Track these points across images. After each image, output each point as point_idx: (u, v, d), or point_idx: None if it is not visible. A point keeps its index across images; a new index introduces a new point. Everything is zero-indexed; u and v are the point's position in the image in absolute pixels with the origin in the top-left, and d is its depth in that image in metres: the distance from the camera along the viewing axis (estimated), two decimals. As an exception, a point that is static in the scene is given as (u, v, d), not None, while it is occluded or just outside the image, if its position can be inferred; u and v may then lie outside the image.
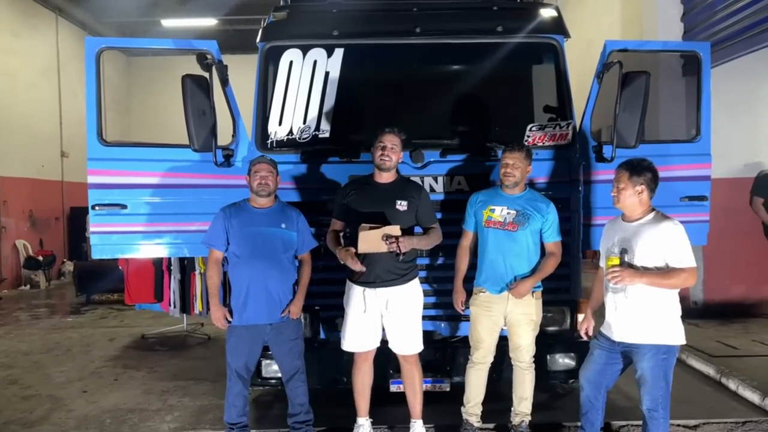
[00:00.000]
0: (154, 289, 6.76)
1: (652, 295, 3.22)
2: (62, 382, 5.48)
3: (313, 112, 4.18)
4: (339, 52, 4.21)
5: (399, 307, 3.71)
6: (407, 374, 3.85)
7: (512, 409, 3.96)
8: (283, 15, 4.34)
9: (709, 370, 5.35)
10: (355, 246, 3.56)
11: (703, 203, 4.47)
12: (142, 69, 16.48)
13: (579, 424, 3.63)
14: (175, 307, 6.68)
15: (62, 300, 10.50)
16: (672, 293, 3.27)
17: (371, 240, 3.51)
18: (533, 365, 3.88)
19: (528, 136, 4.15)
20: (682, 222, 3.27)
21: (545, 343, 4.04)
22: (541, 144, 4.14)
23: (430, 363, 4.07)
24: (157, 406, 4.79)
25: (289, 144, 4.18)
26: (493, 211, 3.76)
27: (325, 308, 4.16)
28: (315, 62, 4.20)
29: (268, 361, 4.05)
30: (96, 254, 4.29)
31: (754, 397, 4.66)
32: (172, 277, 6.62)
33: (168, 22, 13.39)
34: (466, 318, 4.01)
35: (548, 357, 4.13)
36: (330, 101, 4.18)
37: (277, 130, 4.19)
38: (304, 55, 4.21)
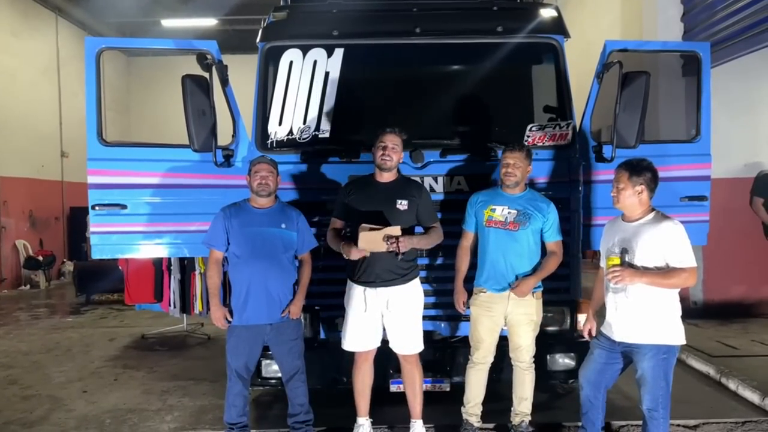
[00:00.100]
0: (154, 289, 6.76)
1: (652, 295, 3.22)
2: (62, 382, 5.48)
3: (313, 112, 4.18)
4: (339, 52, 4.21)
5: (399, 306, 3.71)
6: (407, 374, 3.85)
7: (512, 409, 3.97)
8: (283, 15, 4.34)
9: (708, 370, 5.35)
10: (355, 245, 3.56)
11: (703, 203, 4.47)
12: (142, 69, 16.48)
13: (580, 423, 3.64)
14: (175, 307, 6.68)
15: (62, 300, 10.50)
16: (672, 293, 3.28)
17: (371, 239, 3.51)
18: (533, 365, 3.88)
19: (528, 136, 4.15)
20: (682, 222, 3.27)
21: (545, 343, 4.04)
22: (541, 144, 4.14)
23: (430, 363, 4.07)
24: (157, 406, 4.79)
25: (289, 144, 4.18)
26: (494, 210, 3.77)
27: (325, 308, 4.16)
28: (315, 62, 4.20)
29: (268, 361, 4.05)
30: (96, 254, 4.29)
31: (753, 397, 4.66)
32: (172, 277, 6.61)
33: (168, 22, 13.38)
34: (466, 318, 4.01)
35: (548, 357, 4.13)
36: (330, 101, 4.18)
37: (277, 130, 4.19)
38: (304, 55, 4.21)
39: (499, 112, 4.50)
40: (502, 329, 3.87)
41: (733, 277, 7.23)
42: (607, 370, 3.45)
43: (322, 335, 4.22)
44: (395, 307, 3.70)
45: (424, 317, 3.89)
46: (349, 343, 3.80)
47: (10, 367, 6.04)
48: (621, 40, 4.79)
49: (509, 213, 3.74)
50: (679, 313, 3.31)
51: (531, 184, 4.02)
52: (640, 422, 3.59)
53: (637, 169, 3.27)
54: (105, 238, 4.24)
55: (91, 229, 4.23)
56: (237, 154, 4.23)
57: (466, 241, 3.92)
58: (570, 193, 4.17)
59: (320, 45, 4.21)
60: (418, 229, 3.84)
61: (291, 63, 4.21)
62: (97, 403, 4.92)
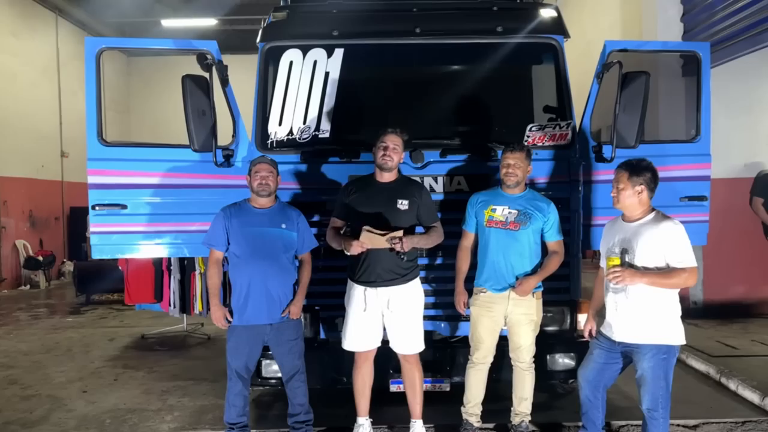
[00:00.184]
0: (154, 289, 6.76)
1: (652, 296, 3.22)
2: (62, 382, 5.48)
3: (313, 112, 4.19)
4: (339, 53, 4.21)
5: (400, 306, 3.71)
6: (407, 374, 3.85)
7: (512, 409, 3.97)
8: (283, 15, 4.34)
9: (708, 370, 5.35)
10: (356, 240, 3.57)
11: (703, 203, 4.47)
12: (142, 69, 16.48)
13: (580, 423, 3.64)
14: (174, 307, 6.69)
15: (62, 300, 10.50)
16: (672, 293, 3.28)
17: (372, 239, 3.52)
18: (533, 365, 3.88)
19: (528, 137, 4.15)
20: (681, 222, 3.27)
21: (545, 343, 4.04)
22: (540, 144, 4.15)
23: (430, 363, 4.07)
24: (157, 406, 4.79)
25: (289, 144, 4.18)
26: (494, 210, 3.77)
27: (325, 308, 4.17)
28: (315, 62, 4.21)
29: (268, 361, 4.05)
30: (96, 254, 4.29)
31: (753, 397, 4.66)
32: (172, 277, 6.62)
33: (168, 22, 13.38)
34: (466, 318, 4.01)
35: (548, 357, 4.13)
36: (330, 101, 4.18)
37: (277, 130, 4.19)
38: (304, 55, 4.21)
39: (499, 112, 4.51)
40: (502, 329, 3.87)
41: (733, 277, 7.23)
42: (607, 370, 3.46)
43: (322, 335, 4.23)
44: (396, 306, 3.70)
45: (424, 317, 3.89)
46: (349, 343, 3.80)
47: (10, 367, 6.04)
48: (621, 40, 4.79)
49: (510, 213, 3.74)
50: (679, 313, 3.31)
51: (531, 184, 4.02)
52: (640, 422, 3.59)
53: (637, 169, 3.27)
54: (105, 238, 4.24)
55: (91, 229, 4.23)
56: (237, 154, 4.23)
57: (467, 242, 3.92)
58: (570, 193, 4.17)
59: (320, 45, 4.21)
60: (419, 229, 3.84)
61: (291, 63, 4.21)
62: (97, 403, 4.92)
